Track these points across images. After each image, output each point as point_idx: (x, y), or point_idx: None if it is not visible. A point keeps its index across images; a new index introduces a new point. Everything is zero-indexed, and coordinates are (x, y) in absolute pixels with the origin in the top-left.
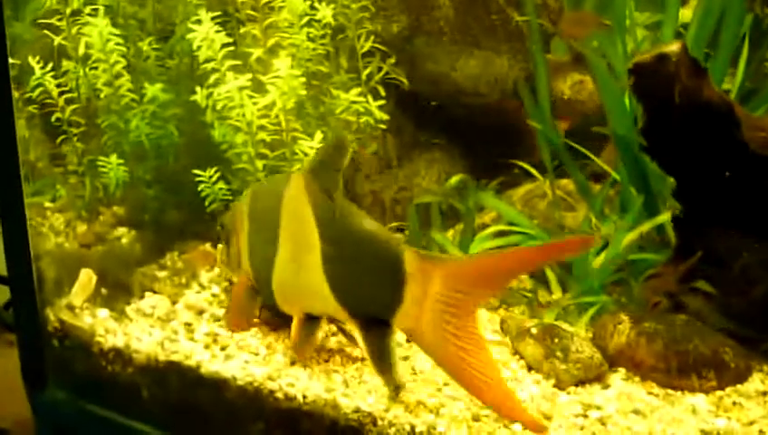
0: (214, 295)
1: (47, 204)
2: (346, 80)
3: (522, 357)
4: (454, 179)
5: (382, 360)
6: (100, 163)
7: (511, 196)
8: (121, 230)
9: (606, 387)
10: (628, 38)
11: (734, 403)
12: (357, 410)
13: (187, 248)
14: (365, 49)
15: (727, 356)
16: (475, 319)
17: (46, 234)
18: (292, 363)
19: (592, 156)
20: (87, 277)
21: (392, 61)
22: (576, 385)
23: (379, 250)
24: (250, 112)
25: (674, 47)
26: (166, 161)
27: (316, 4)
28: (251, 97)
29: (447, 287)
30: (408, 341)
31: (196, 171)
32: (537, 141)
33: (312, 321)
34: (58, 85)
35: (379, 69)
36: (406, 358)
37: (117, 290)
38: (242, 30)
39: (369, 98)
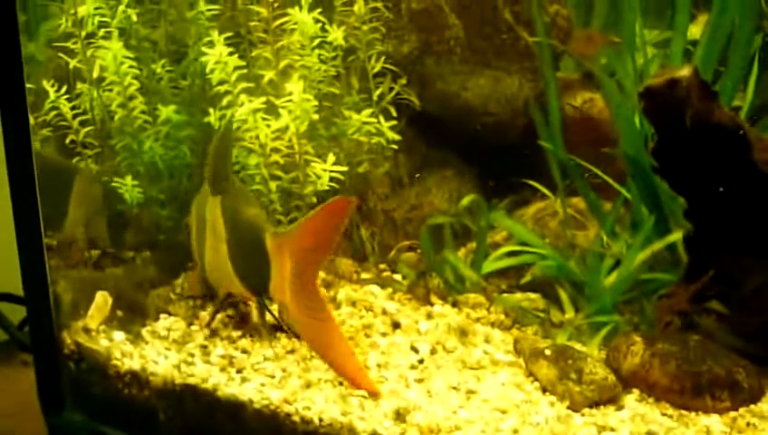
0: (229, 317)
1: None
2: (358, 100)
3: (536, 379)
4: (466, 200)
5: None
6: (115, 184)
7: (522, 215)
8: None
9: (620, 408)
10: (637, 56)
11: (748, 424)
12: (373, 433)
13: None
14: (376, 70)
15: (741, 376)
16: (317, 286)
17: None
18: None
19: (603, 175)
20: (102, 299)
21: (403, 81)
22: (590, 407)
23: (252, 234)
24: (263, 135)
25: (685, 72)
26: (179, 182)
27: (327, 26)
28: (264, 119)
29: (296, 259)
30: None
31: None
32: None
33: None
34: (72, 108)
35: (391, 89)
36: (420, 380)
37: (132, 312)
38: (254, 52)
39: (381, 118)
